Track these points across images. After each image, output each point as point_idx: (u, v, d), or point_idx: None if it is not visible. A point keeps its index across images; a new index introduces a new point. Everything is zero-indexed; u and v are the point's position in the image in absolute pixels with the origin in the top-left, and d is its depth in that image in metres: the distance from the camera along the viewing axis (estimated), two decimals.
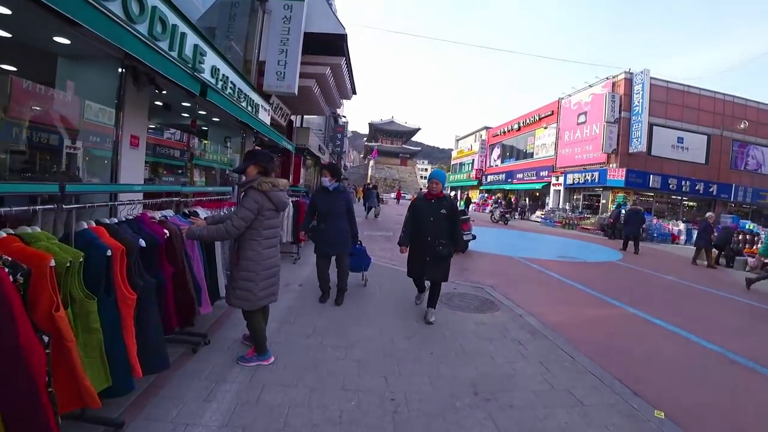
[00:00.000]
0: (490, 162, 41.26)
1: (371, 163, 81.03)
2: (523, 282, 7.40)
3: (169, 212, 3.16)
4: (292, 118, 16.93)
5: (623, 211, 17.25)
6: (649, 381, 3.61)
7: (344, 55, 12.72)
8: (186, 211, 3.56)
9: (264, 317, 3.42)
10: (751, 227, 17.43)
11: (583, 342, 4.41)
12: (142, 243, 2.43)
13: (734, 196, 24.02)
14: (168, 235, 2.67)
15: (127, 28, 3.89)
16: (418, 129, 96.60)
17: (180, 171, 8.48)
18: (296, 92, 10.65)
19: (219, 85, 7.57)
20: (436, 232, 4.45)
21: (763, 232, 16.70)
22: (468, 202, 33.58)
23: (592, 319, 5.48)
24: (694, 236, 19.61)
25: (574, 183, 25.41)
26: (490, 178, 39.94)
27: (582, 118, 25.26)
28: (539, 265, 9.08)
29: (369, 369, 3.34)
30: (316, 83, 12.44)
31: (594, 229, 20.83)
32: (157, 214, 2.91)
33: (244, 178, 3.14)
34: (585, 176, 24.18)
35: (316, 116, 23.23)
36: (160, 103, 7.26)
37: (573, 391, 3.23)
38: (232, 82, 8.26)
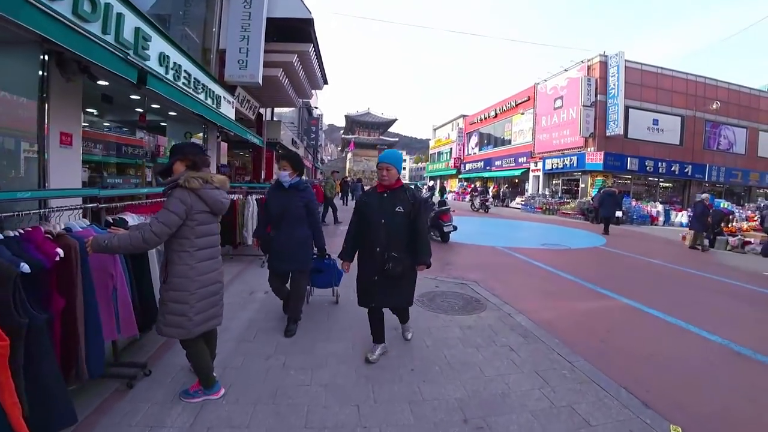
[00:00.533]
0: (468, 150, 41.03)
1: (349, 155, 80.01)
2: (509, 274, 6.98)
3: (80, 222, 2.55)
4: (262, 111, 16.16)
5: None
6: (658, 387, 3.20)
7: (312, 42, 12.05)
8: (110, 219, 2.94)
9: (209, 344, 2.85)
10: (726, 206, 17.54)
11: (580, 342, 3.99)
12: (25, 268, 1.83)
13: (708, 176, 24.28)
14: (62, 255, 2.04)
15: (39, 5, 3.23)
16: (395, 120, 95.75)
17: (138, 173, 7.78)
18: (260, 82, 9.96)
19: (170, 75, 6.86)
20: (388, 240, 3.18)
21: (738, 211, 16.83)
22: (443, 190, 33.27)
23: (585, 313, 5.08)
24: (673, 217, 19.85)
25: (552, 168, 25.31)
26: (468, 166, 39.71)
27: (558, 103, 25.09)
28: (524, 255, 8.70)
29: (339, 396, 2.82)
30: (284, 72, 11.74)
31: (574, 214, 20.74)
32: (59, 226, 2.29)
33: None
34: (563, 161, 24.08)
35: (287, 109, 22.42)
36: (104, 95, 6.54)
37: (576, 408, 2.78)
38: (186, 72, 7.55)
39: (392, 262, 3.12)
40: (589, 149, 22.41)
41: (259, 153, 16.39)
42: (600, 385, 3.11)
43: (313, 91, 17.21)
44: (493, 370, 3.26)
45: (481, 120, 37.37)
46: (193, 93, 7.83)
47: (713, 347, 4.17)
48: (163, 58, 6.53)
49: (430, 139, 57.76)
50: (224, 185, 2.62)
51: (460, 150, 42.29)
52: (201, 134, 9.65)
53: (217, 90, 9.18)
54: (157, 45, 6.35)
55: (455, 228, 9.71)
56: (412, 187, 13.92)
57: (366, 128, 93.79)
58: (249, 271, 6.37)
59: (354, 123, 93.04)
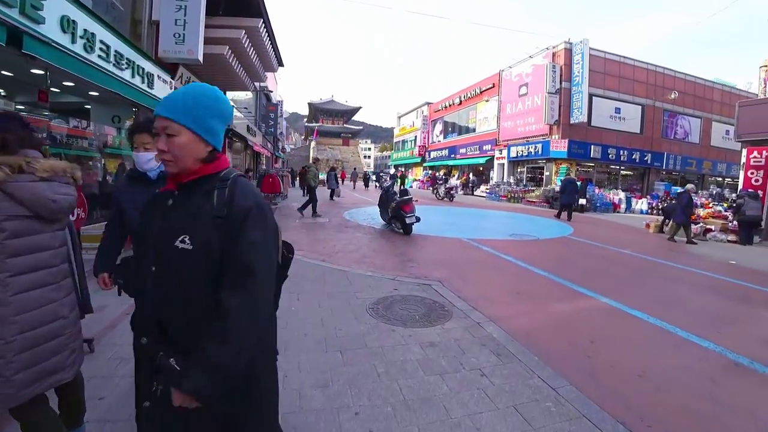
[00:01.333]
0: (432, 138, 40.58)
1: (312, 144, 78.32)
2: (477, 271, 6.34)
3: None
4: None
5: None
6: (660, 421, 2.59)
7: (262, 17, 10.96)
8: None
9: (67, 404, 2.00)
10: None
11: (563, 358, 3.36)
12: None
13: (665, 164, 24.76)
14: None
15: None
16: (359, 108, 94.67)
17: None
18: (200, 59, 8.86)
19: (78, 45, 5.75)
20: (165, 295, 1.25)
21: (698, 199, 17.01)
22: (403, 179, 32.69)
23: (564, 318, 4.47)
24: (634, 204, 19.99)
25: (517, 156, 25.12)
26: (433, 154, 39.29)
27: (523, 90, 24.83)
28: (492, 248, 8.12)
29: None
30: (231, 51, 10.62)
31: (539, 202, 20.58)
32: None
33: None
34: (528, 149, 23.90)
35: (242, 94, 21.05)
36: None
37: None
38: (103, 43, 6.41)
39: (163, 367, 1.20)
40: (553, 137, 22.28)
41: None
42: (592, 421, 2.46)
43: (267, 74, 16.03)
44: (461, 408, 2.55)
45: (446, 107, 36.91)
46: (113, 69, 6.72)
47: (709, 357, 3.64)
48: (67, 23, 5.43)
49: (395, 128, 56.99)
50: (59, 173, 1.74)
51: (424, 138, 41.77)
52: (132, 118, 8.47)
53: (149, 67, 8.06)
54: (59, 6, 5.25)
55: (418, 219, 9.03)
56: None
57: (330, 116, 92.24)
58: None
59: (318, 111, 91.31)
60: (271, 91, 28.34)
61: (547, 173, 23.01)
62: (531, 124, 24.05)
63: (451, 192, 22.09)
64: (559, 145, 21.62)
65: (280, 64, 16.50)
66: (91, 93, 7.82)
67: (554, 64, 22.17)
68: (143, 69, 7.79)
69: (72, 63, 5.27)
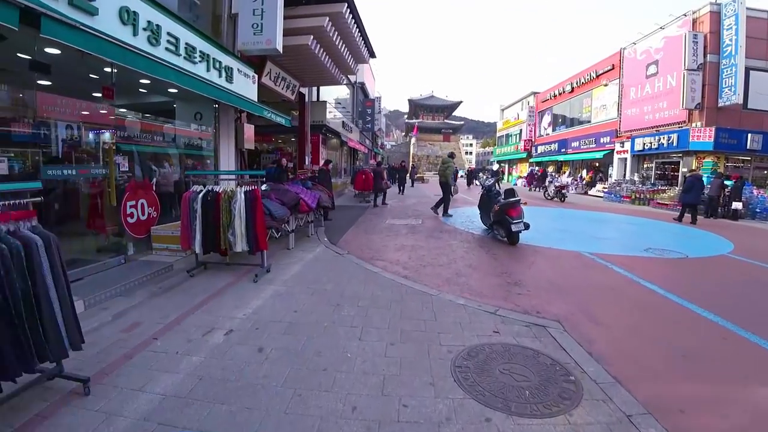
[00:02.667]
0: (539, 131, 37.19)
1: (413, 140, 77.76)
2: (610, 307, 4.61)
3: None
4: (304, 91, 14.57)
5: (727, 182, 14.65)
6: None
7: (345, 1, 10.08)
8: None
9: None
10: None
11: None
12: None
13: None
14: None
15: None
16: (460, 102, 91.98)
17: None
18: (279, 48, 8.19)
19: (141, 37, 5.26)
20: None
21: None
22: (498, 174, 29.93)
23: None
24: None
25: (644, 149, 21.42)
26: (540, 149, 35.95)
27: (652, 69, 21.07)
28: (624, 268, 6.19)
29: None
30: (315, 40, 9.91)
31: (674, 205, 17.10)
32: None
33: None
34: (658, 140, 20.17)
35: (339, 90, 20.77)
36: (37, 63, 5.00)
37: None
38: (171, 35, 5.92)
39: None
40: (694, 124, 18.43)
41: (303, 137, 14.86)
42: None
43: (364, 70, 15.27)
44: None
45: (555, 96, 33.42)
46: (184, 63, 6.21)
47: None
48: (127, 14, 4.93)
49: (497, 122, 53.83)
50: None
51: (530, 131, 38.48)
52: (212, 114, 8.10)
53: (227, 61, 7.55)
54: None
55: (527, 226, 7.38)
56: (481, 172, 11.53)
57: (430, 112, 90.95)
58: (231, 291, 4.65)
59: (417, 107, 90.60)
60: (363, 88, 27.84)
61: (685, 169, 19.15)
62: (662, 110, 20.29)
63: (563, 191, 19.47)
64: (702, 135, 17.79)
65: (372, 55, 15.70)
66: (170, 90, 7.57)
67: (695, 32, 18.25)
68: (220, 63, 7.28)
69: (130, 57, 4.74)
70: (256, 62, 10.31)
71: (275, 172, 11.92)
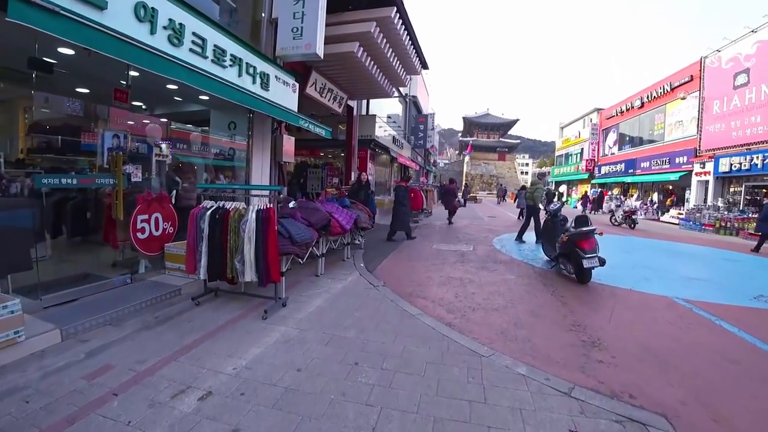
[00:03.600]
0: (603, 150, 34.61)
1: (466, 159, 76.31)
2: (739, 393, 3.20)
3: None
4: (352, 104, 13.97)
5: None
6: None
7: (394, 5, 9.30)
8: None
9: None
10: None
11: None
12: None
13: None
14: None
15: None
16: (516, 120, 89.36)
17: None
18: (320, 53, 7.52)
19: (161, 36, 4.70)
20: None
21: None
22: (554, 196, 27.66)
23: None
24: None
25: (730, 170, 18.89)
26: (604, 169, 33.32)
27: (742, 79, 18.68)
28: (741, 327, 4.67)
29: None
30: (362, 48, 9.21)
31: None
32: None
33: None
34: (750, 160, 17.66)
35: (390, 104, 20.13)
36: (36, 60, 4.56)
37: None
38: (198, 36, 5.33)
39: None
40: None
41: (350, 151, 14.21)
42: None
43: (417, 84, 14.48)
44: None
45: (622, 112, 30.97)
46: (211, 67, 5.62)
47: None
48: (144, 11, 4.37)
49: (554, 142, 51.18)
50: None
51: (593, 150, 35.90)
52: (245, 123, 7.53)
53: (263, 67, 6.95)
54: None
55: (602, 262, 6.04)
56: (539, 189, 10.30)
57: (485, 130, 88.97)
58: (232, 331, 3.81)
59: (472, 125, 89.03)
60: (416, 101, 26.94)
61: None
62: (755, 125, 17.82)
63: (633, 217, 17.44)
64: None
65: (424, 65, 14.84)
66: (201, 98, 7.08)
67: None
68: (254, 68, 6.68)
69: (143, 57, 4.17)
70: (300, 71, 9.76)
71: (354, 188, 11.45)
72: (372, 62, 10.29)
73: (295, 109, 8.02)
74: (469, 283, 6.04)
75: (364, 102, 16.15)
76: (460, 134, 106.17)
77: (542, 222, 7.75)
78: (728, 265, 9.08)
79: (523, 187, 25.80)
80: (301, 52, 7.48)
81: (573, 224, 6.29)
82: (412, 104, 26.09)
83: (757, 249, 11.92)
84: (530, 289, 5.85)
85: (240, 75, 6.36)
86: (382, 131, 16.68)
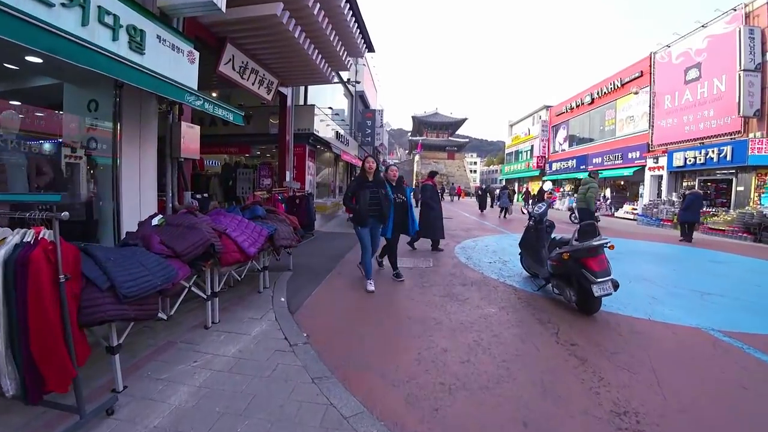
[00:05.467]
0: (554, 147, 34.36)
1: (416, 158, 75.19)
2: None
3: None
4: (286, 92, 11.81)
5: None
6: None
7: None
8: None
9: None
10: None
11: None
12: None
13: None
14: None
15: None
16: (465, 119, 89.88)
17: None
18: (223, 8, 5.41)
19: None
20: None
21: None
22: (546, 199, 26.86)
23: None
24: None
25: (685, 165, 18.45)
26: (555, 165, 33.04)
27: (693, 74, 18.31)
28: None
29: None
30: (287, 13, 7.14)
31: (736, 231, 14.04)
32: None
33: None
34: (705, 154, 17.21)
35: (334, 98, 18.04)
36: None
37: None
38: None
39: None
40: (752, 134, 15.52)
41: (284, 147, 12.02)
42: None
43: (358, 74, 12.53)
44: None
45: (572, 108, 30.71)
46: (26, 3, 3.39)
47: None
48: None
49: (501, 141, 51.24)
50: None
51: (544, 147, 35.64)
52: (111, 101, 5.24)
53: (134, 18, 4.72)
54: None
55: (615, 286, 4.34)
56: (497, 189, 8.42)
57: (434, 129, 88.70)
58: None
59: (421, 124, 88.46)
60: (364, 96, 24.93)
61: (741, 188, 16.17)
62: (708, 119, 17.45)
63: (596, 214, 16.47)
64: (766, 147, 14.87)
65: (370, 48, 13.04)
66: (28, 59, 4.74)
67: (752, 27, 15.49)
68: (115, 17, 4.44)
69: None
70: (210, 43, 7.63)
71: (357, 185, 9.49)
72: (304, 35, 8.25)
73: (194, 86, 5.82)
74: (435, 327, 4.14)
75: (301, 92, 14.00)
76: (409, 134, 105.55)
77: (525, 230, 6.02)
78: (722, 269, 7.83)
79: (505, 187, 24.69)
80: (193, 1, 5.33)
81: (576, 236, 4.55)
82: (358, 99, 24.11)
83: (688, 239, 12.30)
84: (523, 333, 4.03)
85: (85, 24, 4.11)
86: (324, 125, 14.58)
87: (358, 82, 17.66)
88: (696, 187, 18.74)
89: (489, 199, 26.90)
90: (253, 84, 9.49)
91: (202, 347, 3.52)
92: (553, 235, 5.45)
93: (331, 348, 3.59)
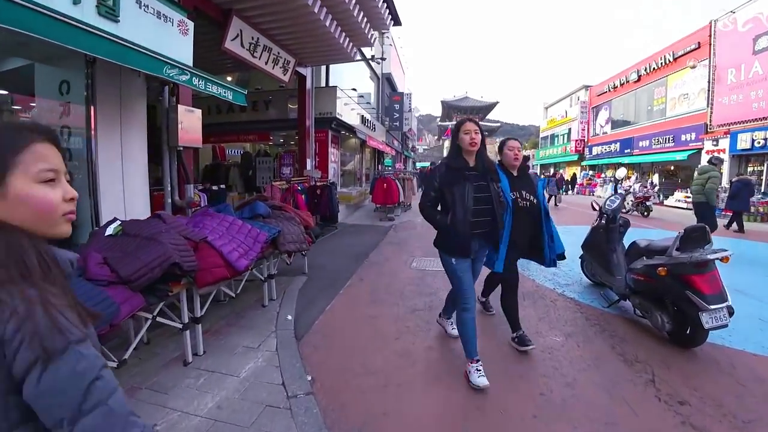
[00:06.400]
0: (594, 129, 32.14)
1: (446, 144, 73.72)
2: None
3: None
4: (305, 72, 10.84)
5: None
6: None
7: None
8: None
9: None
10: None
11: None
12: None
13: None
14: None
15: None
16: (496, 103, 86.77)
17: None
18: None
19: None
20: None
21: None
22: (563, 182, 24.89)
23: None
24: None
25: (752, 147, 16.43)
26: (596, 150, 30.88)
27: (764, 42, 16.14)
28: None
29: None
30: None
31: None
32: None
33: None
34: None
35: (359, 81, 16.96)
36: None
37: None
38: None
39: None
40: None
41: (304, 133, 11.09)
42: None
43: (375, 36, 11.39)
44: None
45: (615, 88, 28.40)
46: None
47: None
48: None
49: (533, 126, 48.85)
50: None
51: (583, 130, 33.40)
52: (82, 83, 4.38)
53: None
54: None
55: (731, 312, 3.16)
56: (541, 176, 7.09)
57: (464, 113, 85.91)
58: None
59: (451, 109, 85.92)
60: (391, 78, 23.60)
61: None
62: None
63: (646, 203, 14.90)
64: None
65: (396, 21, 11.88)
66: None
67: None
68: None
69: None
70: (215, 17, 6.74)
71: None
72: (319, 4, 7.22)
73: (187, 61, 4.91)
74: (487, 366, 3.09)
75: (323, 73, 13.01)
76: (438, 119, 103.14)
77: (592, 229, 4.84)
78: None
79: (553, 174, 23.05)
80: None
81: (678, 243, 3.38)
82: (385, 82, 22.92)
83: (739, 228, 10.86)
84: (607, 381, 2.93)
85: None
86: (348, 109, 13.55)
87: (384, 59, 16.41)
88: (766, 172, 16.83)
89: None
90: (266, 63, 8.57)
91: (171, 398, 2.62)
92: (636, 239, 4.23)
93: (342, 406, 2.61)
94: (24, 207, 0.73)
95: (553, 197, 18.69)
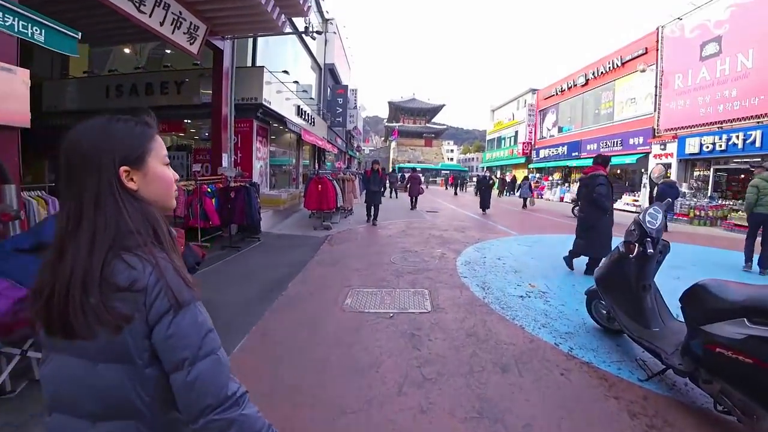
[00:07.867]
0: (541, 132, 32.00)
1: (393, 144, 72.98)
2: None
3: None
4: (221, 45, 8.73)
5: None
6: None
7: None
8: None
9: None
10: None
11: None
12: None
13: None
14: None
15: None
16: (443, 105, 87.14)
17: None
18: None
19: None
20: None
21: None
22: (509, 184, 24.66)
23: None
24: None
25: (700, 151, 16.19)
26: (543, 152, 30.66)
27: (711, 49, 15.94)
28: None
29: None
30: None
31: None
32: None
33: None
34: (728, 139, 14.96)
35: (297, 70, 14.90)
36: None
37: None
38: None
39: None
40: None
41: (219, 121, 8.93)
42: None
43: (310, 4, 9.50)
44: None
45: (562, 91, 28.24)
46: None
47: None
48: None
49: (478, 130, 49.06)
50: None
51: (530, 133, 33.22)
52: None
53: None
54: None
55: None
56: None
57: (411, 115, 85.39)
58: None
59: (398, 110, 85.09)
60: (334, 70, 21.60)
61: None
62: (730, 101, 15.13)
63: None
64: None
65: None
66: None
67: None
68: None
69: None
70: None
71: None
72: None
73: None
74: None
75: (249, 51, 10.93)
76: (385, 120, 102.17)
77: (610, 257, 3.26)
78: None
79: (526, 178, 22.96)
80: None
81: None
82: (328, 73, 20.96)
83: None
84: None
85: None
86: (282, 97, 11.51)
87: (320, 32, 14.30)
88: (712, 177, 16.69)
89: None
90: (161, 25, 6.46)
91: None
92: (702, 280, 2.58)
93: None
94: (158, 182, 0.89)
95: (526, 199, 19.18)
